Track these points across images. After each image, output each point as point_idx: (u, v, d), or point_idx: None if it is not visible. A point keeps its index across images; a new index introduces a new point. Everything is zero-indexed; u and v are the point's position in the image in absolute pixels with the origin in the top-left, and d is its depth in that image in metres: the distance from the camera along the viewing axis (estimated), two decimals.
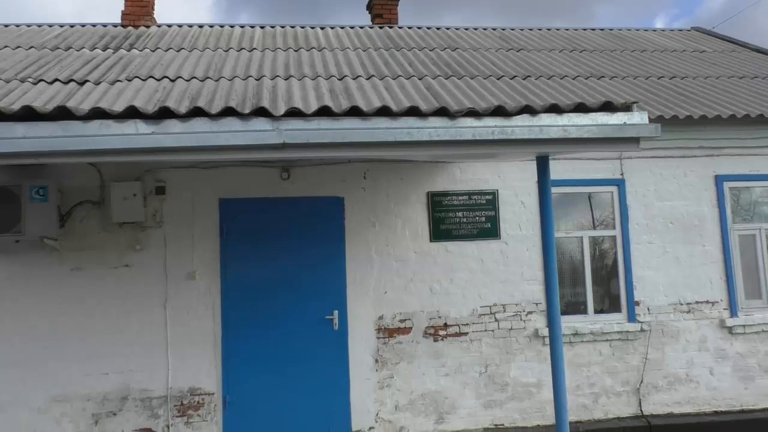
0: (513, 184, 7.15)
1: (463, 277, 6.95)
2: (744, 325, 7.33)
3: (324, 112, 3.85)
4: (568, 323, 7.05)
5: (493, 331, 6.96)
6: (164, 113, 3.72)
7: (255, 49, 8.69)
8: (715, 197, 7.48)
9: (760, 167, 7.60)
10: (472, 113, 3.95)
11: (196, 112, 3.75)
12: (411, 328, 6.81)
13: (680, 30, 12.12)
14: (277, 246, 6.64)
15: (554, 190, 7.09)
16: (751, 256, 7.55)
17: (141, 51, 8.31)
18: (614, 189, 7.35)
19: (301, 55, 8.49)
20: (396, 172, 6.93)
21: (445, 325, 6.87)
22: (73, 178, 6.35)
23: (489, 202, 7.08)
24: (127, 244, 6.42)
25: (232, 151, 3.77)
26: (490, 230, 7.05)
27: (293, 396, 6.48)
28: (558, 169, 7.17)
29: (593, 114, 4.09)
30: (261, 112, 3.81)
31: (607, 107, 4.14)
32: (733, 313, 7.36)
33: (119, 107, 3.87)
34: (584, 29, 11.46)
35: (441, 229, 6.95)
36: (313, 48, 8.94)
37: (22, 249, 6.19)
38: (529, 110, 4.04)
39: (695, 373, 7.24)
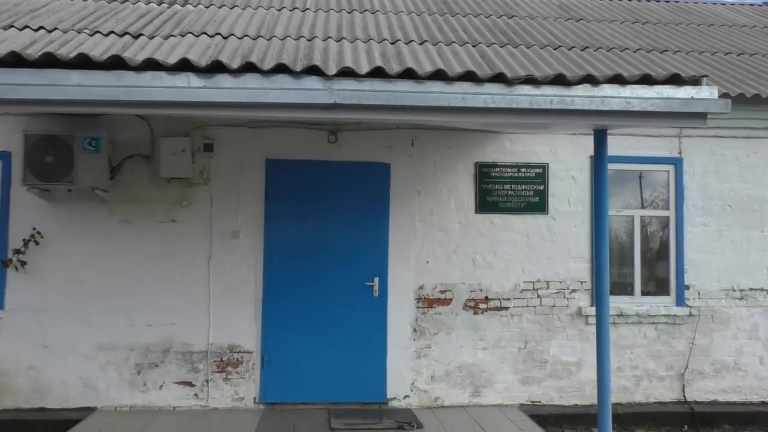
0: (564, 158, 6.94)
1: (507, 251, 6.82)
2: None
3: (377, 73, 3.75)
4: (613, 303, 6.78)
5: (534, 307, 6.84)
6: (216, 68, 3.68)
7: (308, 9, 8.57)
8: None
9: None
10: (530, 81, 3.80)
11: (248, 68, 3.69)
12: (451, 299, 6.74)
13: (752, 5, 11.49)
14: (321, 209, 6.62)
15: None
16: None
17: (195, 6, 8.27)
18: (671, 168, 7.07)
19: (354, 17, 8.34)
20: (444, 140, 6.79)
21: (486, 298, 6.78)
22: (125, 131, 6.41)
23: (538, 175, 6.89)
24: (175, 200, 6.48)
25: (282, 110, 3.71)
26: (538, 204, 6.88)
27: (330, 360, 6.51)
28: (612, 144, 6.77)
29: (658, 87, 3.88)
30: (313, 70, 3.73)
31: (674, 80, 3.93)
32: None
33: (172, 60, 3.83)
34: (648, 0, 10.96)
35: (487, 201, 6.82)
36: (366, 10, 8.76)
37: (73, 198, 6.31)
38: (590, 80, 3.86)
39: (744, 361, 7.01)
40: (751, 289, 7.05)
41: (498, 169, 6.85)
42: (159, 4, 8.24)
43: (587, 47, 7.76)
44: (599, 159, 4.64)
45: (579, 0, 10.63)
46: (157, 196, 6.48)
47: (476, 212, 6.80)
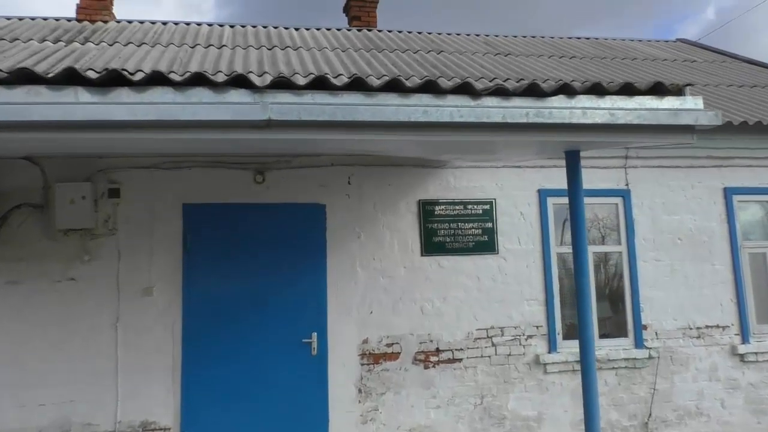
0: (511, 192, 6.49)
1: (458, 296, 6.22)
2: (756, 353, 6.75)
3: (319, 84, 3.11)
4: (571, 348, 6.37)
5: (489, 357, 6.23)
6: (114, 79, 2.94)
7: (225, 46, 7.92)
8: (725, 211, 6.94)
9: None
10: (500, 91, 3.27)
11: (156, 80, 2.97)
12: (399, 353, 6.03)
13: (666, 41, 11.77)
14: (248, 259, 5.83)
15: (554, 200, 6.53)
16: (762, 276, 7.01)
17: (97, 44, 7.45)
18: (619, 200, 6.75)
19: (275, 53, 7.75)
20: (384, 176, 6.21)
21: (437, 350, 6.12)
22: (11, 177, 5.47)
23: (486, 212, 6.40)
24: (74, 255, 5.54)
25: (202, 130, 3.00)
26: (487, 243, 6.36)
27: (263, 430, 5.62)
28: (557, 178, 6.55)
29: (639, 98, 3.44)
30: (240, 81, 3.05)
31: (657, 90, 3.51)
32: (745, 339, 6.78)
33: (55, 72, 3.05)
34: (569, 38, 10.98)
35: (433, 242, 6.24)
36: (288, 47, 8.21)
37: None
38: (566, 90, 3.38)
39: (706, 405, 6.61)
40: (707, 327, 6.73)
41: (443, 207, 6.30)
42: (55, 42, 7.36)
43: (521, 79, 7.46)
44: (573, 185, 4.16)
45: (504, 37, 10.51)
46: (51, 252, 5.51)
47: (422, 254, 6.20)
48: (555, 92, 3.34)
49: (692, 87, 3.40)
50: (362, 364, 5.95)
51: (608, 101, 3.37)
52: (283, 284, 5.85)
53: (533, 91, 3.30)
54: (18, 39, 7.48)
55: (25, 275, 5.46)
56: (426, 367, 6.07)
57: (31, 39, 7.51)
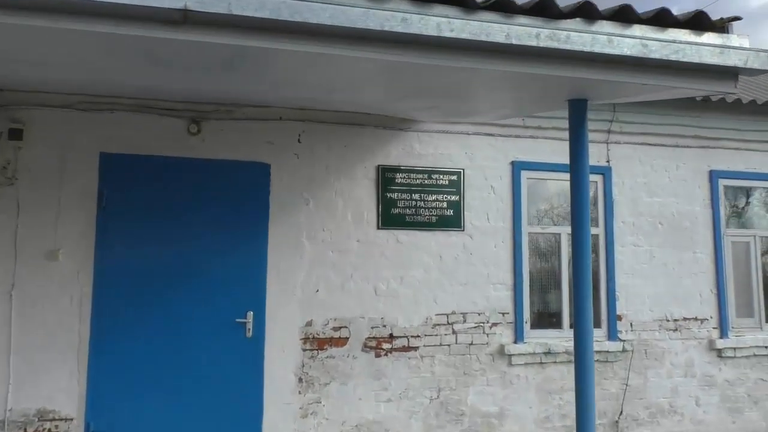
0: (482, 163, 5.79)
1: (417, 277, 5.50)
2: (734, 348, 6.25)
3: None
4: (539, 339, 5.77)
5: (449, 345, 5.54)
6: None
7: None
8: (709, 196, 6.39)
9: (759, 164, 6.57)
10: (503, 5, 2.50)
11: None
12: (347, 338, 5.29)
13: None
14: (176, 222, 4.98)
15: (528, 175, 5.88)
16: (743, 267, 6.51)
17: None
18: (599, 179, 6.13)
19: None
20: (340, 137, 5.42)
21: (391, 336, 5.39)
22: None
23: (453, 183, 5.68)
24: None
25: (84, 19, 2.15)
26: (452, 219, 5.65)
27: (186, 425, 4.82)
28: (532, 149, 5.91)
29: (673, 30, 2.73)
30: None
31: (697, 22, 2.79)
32: (723, 333, 6.27)
33: None
34: None
35: (392, 214, 5.49)
36: None
37: None
38: (586, 12, 2.63)
39: (680, 403, 6.08)
40: (685, 319, 6.19)
41: (405, 175, 5.56)
42: None
43: None
44: (577, 145, 3.44)
45: None
46: None
47: (378, 227, 5.45)
48: (572, 14, 2.60)
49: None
50: (304, 350, 5.18)
51: (637, 30, 2.66)
52: (216, 254, 5.02)
53: (544, 10, 2.55)
54: None
55: None
56: (377, 355, 5.34)
57: None
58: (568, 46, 2.56)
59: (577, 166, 3.49)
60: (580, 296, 3.50)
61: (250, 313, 5.03)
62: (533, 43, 2.52)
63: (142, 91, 4.78)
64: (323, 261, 5.29)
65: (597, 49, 2.62)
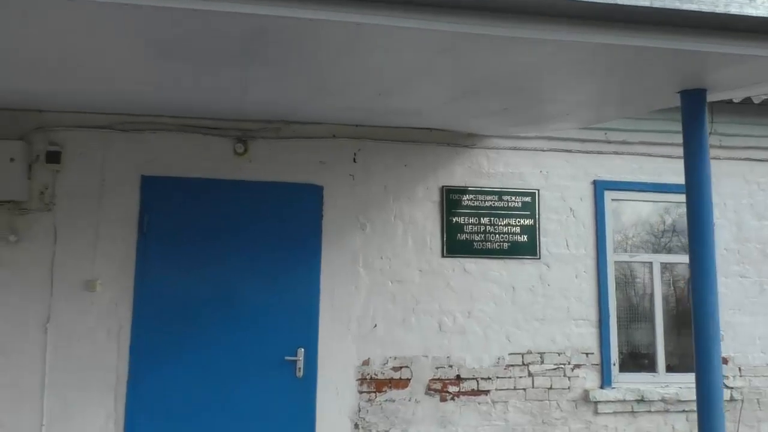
0: (559, 182, 5.15)
1: (487, 311, 4.88)
2: None
3: None
4: (629, 384, 5.01)
5: (524, 389, 4.86)
6: None
7: None
8: None
9: None
10: None
11: None
12: (409, 379, 4.70)
13: None
14: (221, 250, 4.57)
15: (613, 195, 5.20)
16: None
17: None
18: None
19: None
20: (399, 155, 4.91)
21: (458, 378, 4.77)
22: None
23: (526, 205, 5.06)
24: None
25: None
26: (526, 246, 5.01)
27: None
28: (617, 166, 5.23)
29: None
30: None
31: None
32: None
33: None
34: None
35: (458, 240, 4.91)
36: None
37: None
38: None
39: None
40: None
41: (472, 197, 4.98)
42: None
43: None
44: (695, 145, 2.78)
45: None
46: None
47: (443, 255, 4.87)
48: None
49: None
50: (361, 392, 4.62)
51: None
52: (264, 284, 4.57)
53: None
54: None
55: None
56: (443, 399, 4.72)
57: None
58: (693, 6, 1.95)
59: (695, 175, 2.85)
60: (703, 334, 2.80)
61: (301, 350, 4.52)
62: (645, 2, 1.92)
63: (185, 109, 4.44)
64: (381, 292, 4.75)
65: (733, 9, 2.00)
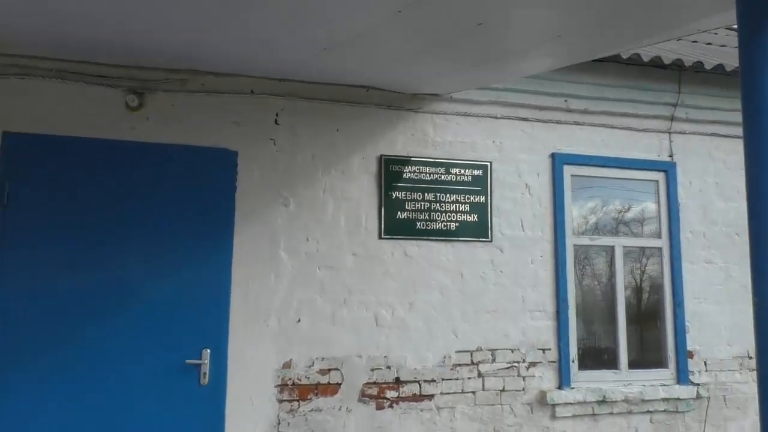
0: (515, 155, 4.51)
1: (431, 302, 4.18)
2: None
3: None
4: (590, 383, 4.45)
5: (473, 393, 4.21)
6: None
7: None
8: None
9: None
10: None
11: None
12: (339, 384, 3.95)
13: None
14: (108, 230, 3.68)
15: (573, 170, 4.63)
16: None
17: None
18: (660, 177, 4.84)
19: None
20: (330, 117, 4.13)
21: (397, 380, 4.06)
22: None
23: (477, 180, 4.39)
24: None
25: None
26: (477, 226, 4.35)
27: None
28: (578, 139, 4.65)
29: None
30: None
31: None
32: None
33: None
34: None
35: (398, 219, 4.19)
36: None
37: None
38: None
39: None
40: None
41: (415, 169, 4.27)
42: None
43: None
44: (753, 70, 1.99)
45: None
46: None
47: (381, 237, 4.14)
48: None
49: None
50: (281, 401, 3.84)
51: None
52: (161, 273, 3.71)
53: None
54: None
55: None
56: (379, 407, 4.00)
57: None
58: None
59: (754, 110, 2.03)
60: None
61: (207, 352, 3.70)
62: None
63: (62, 48, 3.51)
64: (307, 281, 3.97)
65: None
